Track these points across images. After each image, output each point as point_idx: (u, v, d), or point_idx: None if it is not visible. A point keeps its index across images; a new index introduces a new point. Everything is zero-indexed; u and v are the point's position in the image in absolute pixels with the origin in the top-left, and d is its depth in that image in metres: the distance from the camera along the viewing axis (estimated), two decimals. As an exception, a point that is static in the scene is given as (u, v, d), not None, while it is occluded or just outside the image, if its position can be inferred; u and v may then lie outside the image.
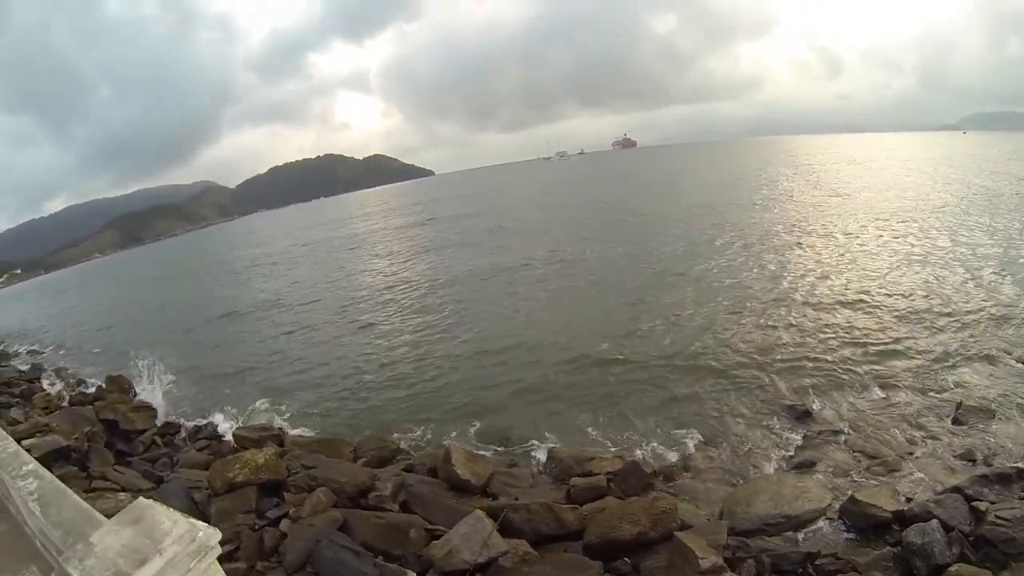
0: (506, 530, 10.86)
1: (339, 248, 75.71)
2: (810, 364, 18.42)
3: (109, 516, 6.72)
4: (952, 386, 16.01)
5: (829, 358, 18.59)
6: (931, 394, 15.78)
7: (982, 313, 20.46)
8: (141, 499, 5.13)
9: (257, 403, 22.85)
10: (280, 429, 19.58)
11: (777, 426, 15.46)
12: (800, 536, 11.01)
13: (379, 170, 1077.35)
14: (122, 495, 12.75)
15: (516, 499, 12.65)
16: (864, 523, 10.80)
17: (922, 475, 12.45)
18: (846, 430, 14.68)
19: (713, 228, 41.44)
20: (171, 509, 4.68)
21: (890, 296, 23.05)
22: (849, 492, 11.58)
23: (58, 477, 8.23)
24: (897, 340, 19.20)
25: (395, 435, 18.17)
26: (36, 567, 7.15)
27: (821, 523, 11.18)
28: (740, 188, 67.45)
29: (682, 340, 21.61)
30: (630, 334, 23.03)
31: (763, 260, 30.52)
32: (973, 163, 79.19)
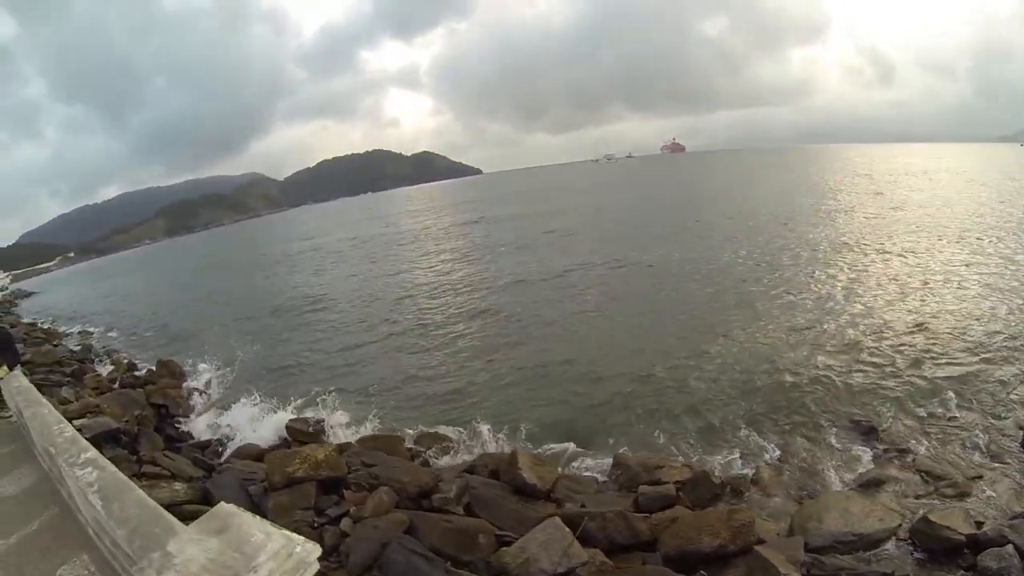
0: (581, 538, 10.32)
1: (389, 244, 75.07)
2: (876, 383, 17.52)
3: (166, 507, 6.12)
4: (1020, 410, 15.20)
5: (895, 378, 17.67)
6: (999, 418, 14.95)
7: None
8: (224, 504, 4.68)
9: (306, 395, 22.17)
10: (331, 423, 19.04)
11: (843, 443, 14.76)
12: (871, 556, 10.45)
13: (427, 167, 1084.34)
14: (178, 485, 12.20)
15: (582, 506, 12.15)
16: (936, 545, 10.24)
17: (992, 498, 11.82)
18: (913, 449, 14.03)
19: (776, 239, 39.95)
20: (260, 518, 4.29)
21: (959, 317, 21.84)
22: (919, 512, 11.08)
23: (108, 459, 7.84)
24: (964, 362, 18.14)
25: (451, 435, 17.48)
26: (87, 556, 7.37)
27: (891, 544, 10.62)
28: (800, 198, 65.09)
29: (745, 352, 20.73)
30: (692, 344, 22.14)
31: (829, 275, 29.21)
32: (1035, 178, 76.65)
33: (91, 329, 53.22)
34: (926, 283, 25.98)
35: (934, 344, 19.72)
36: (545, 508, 12.17)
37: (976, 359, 18.33)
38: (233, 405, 22.10)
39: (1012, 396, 15.94)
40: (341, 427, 18.80)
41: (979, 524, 10.62)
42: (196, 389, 24.20)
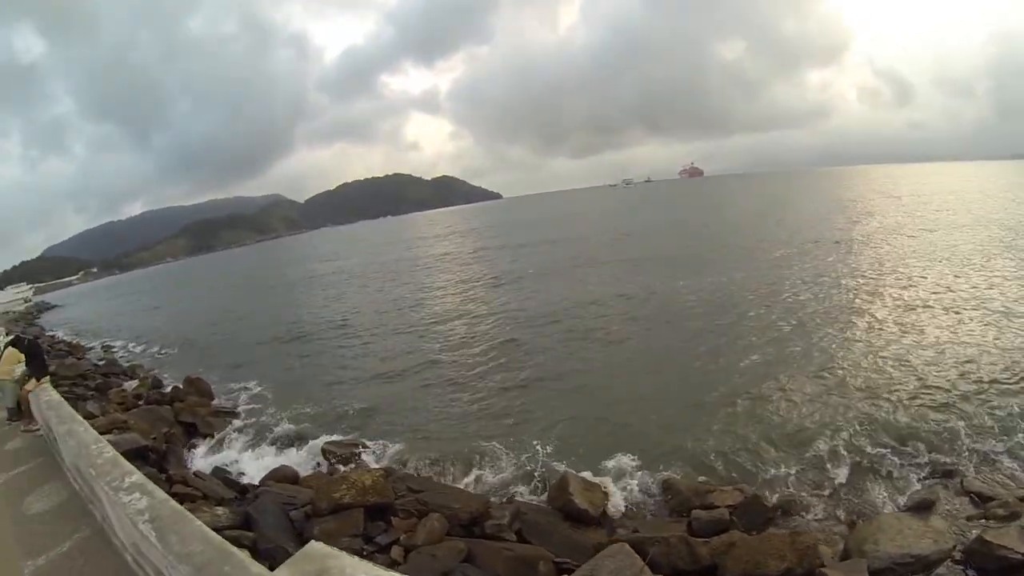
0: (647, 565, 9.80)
1: (413, 269, 73.66)
2: (923, 406, 16.84)
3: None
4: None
5: (943, 401, 16.96)
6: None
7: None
8: (315, 544, 4.14)
9: (338, 418, 21.59)
10: (367, 446, 18.22)
11: (890, 465, 14.13)
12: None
13: (447, 191, 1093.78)
14: (220, 509, 11.54)
15: (635, 531, 11.70)
16: (994, 565, 9.88)
17: (1045, 517, 11.25)
18: (961, 471, 13.49)
19: (819, 262, 38.77)
20: (363, 560, 3.80)
21: (1009, 339, 21.08)
22: (973, 533, 10.78)
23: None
24: (1010, 386, 17.43)
25: (492, 461, 16.63)
26: None
27: (946, 565, 10.24)
28: (825, 221, 63.01)
29: (789, 375, 19.96)
30: (734, 367, 21.40)
31: (872, 297, 28.31)
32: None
33: (114, 344, 53.19)
34: (974, 307, 25.04)
35: (983, 368, 18.93)
36: (597, 534, 11.91)
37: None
38: (263, 426, 21.54)
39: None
40: (377, 451, 18.01)
41: (1034, 543, 10.24)
42: (224, 409, 23.45)
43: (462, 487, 14.80)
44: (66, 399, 14.88)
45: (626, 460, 15.51)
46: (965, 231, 46.48)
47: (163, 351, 44.40)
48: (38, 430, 15.30)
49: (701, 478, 14.39)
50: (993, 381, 17.78)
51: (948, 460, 13.97)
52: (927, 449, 14.56)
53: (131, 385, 29.48)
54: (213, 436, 20.52)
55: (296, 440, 19.56)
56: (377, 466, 15.78)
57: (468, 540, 10.84)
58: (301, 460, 17.71)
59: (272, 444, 19.56)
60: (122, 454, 11.75)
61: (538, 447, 16.82)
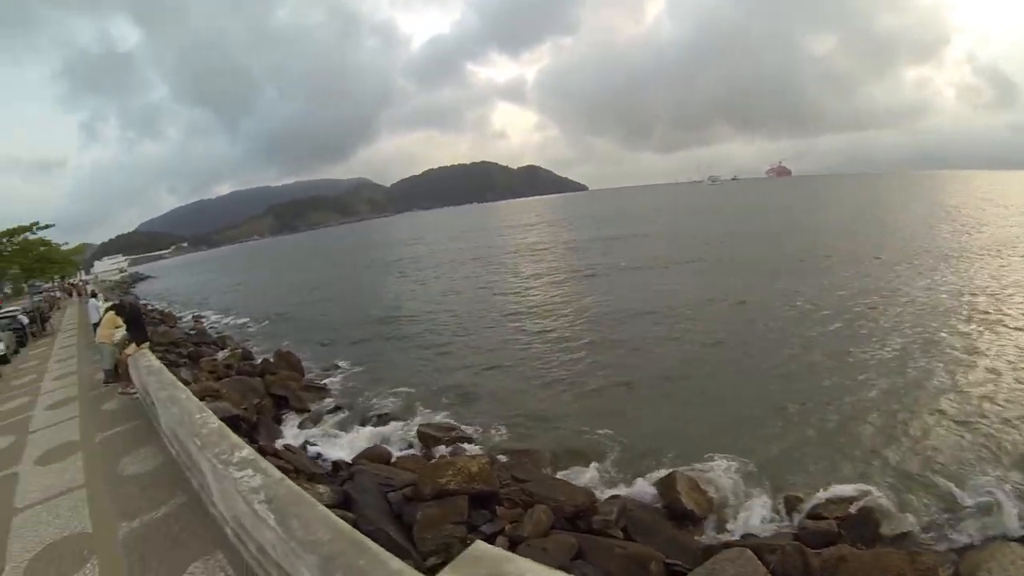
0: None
1: (502, 256, 72.35)
2: None
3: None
4: None
5: None
6: None
7: None
8: (481, 544, 3.84)
9: (431, 400, 21.05)
10: (463, 431, 17.63)
11: (1007, 492, 12.81)
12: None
13: (532, 180, 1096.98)
14: (321, 488, 11.12)
15: (743, 537, 11.29)
16: None
17: None
18: None
19: (920, 276, 35.07)
20: (545, 567, 3.38)
21: None
22: None
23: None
24: None
25: (592, 455, 15.86)
26: (223, 555, 6.91)
27: None
28: (930, 230, 55.24)
29: (906, 392, 18.67)
30: (841, 378, 20.09)
31: (1000, 314, 26.29)
32: None
33: (203, 314, 54.23)
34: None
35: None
36: (702, 536, 11.59)
37: None
38: (354, 404, 21.31)
39: None
40: (475, 436, 17.42)
41: None
42: (316, 384, 23.22)
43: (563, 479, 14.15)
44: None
45: (730, 463, 14.75)
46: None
47: (251, 325, 45.14)
48: (135, 393, 15.28)
49: (807, 487, 13.51)
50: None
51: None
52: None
53: (222, 355, 29.75)
54: (304, 411, 20.32)
55: (388, 420, 19.20)
56: (478, 452, 15.17)
57: (579, 536, 10.33)
58: (394, 441, 17.35)
59: (363, 422, 19.19)
60: (217, 422, 11.55)
61: (638, 444, 16.19)
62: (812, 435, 16.11)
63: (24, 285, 57.25)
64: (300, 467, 13.17)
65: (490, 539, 9.92)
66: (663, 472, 13.83)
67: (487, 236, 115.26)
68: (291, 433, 18.40)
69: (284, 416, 19.97)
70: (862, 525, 11.56)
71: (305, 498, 5.14)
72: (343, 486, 11.64)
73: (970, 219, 65.68)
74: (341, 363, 27.51)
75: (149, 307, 58.91)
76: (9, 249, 51.06)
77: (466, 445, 16.33)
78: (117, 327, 17.11)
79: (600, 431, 17.14)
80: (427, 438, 16.59)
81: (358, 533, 4.37)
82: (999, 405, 16.90)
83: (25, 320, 38.30)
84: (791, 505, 12.59)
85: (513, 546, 9.76)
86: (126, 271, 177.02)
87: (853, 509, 12.11)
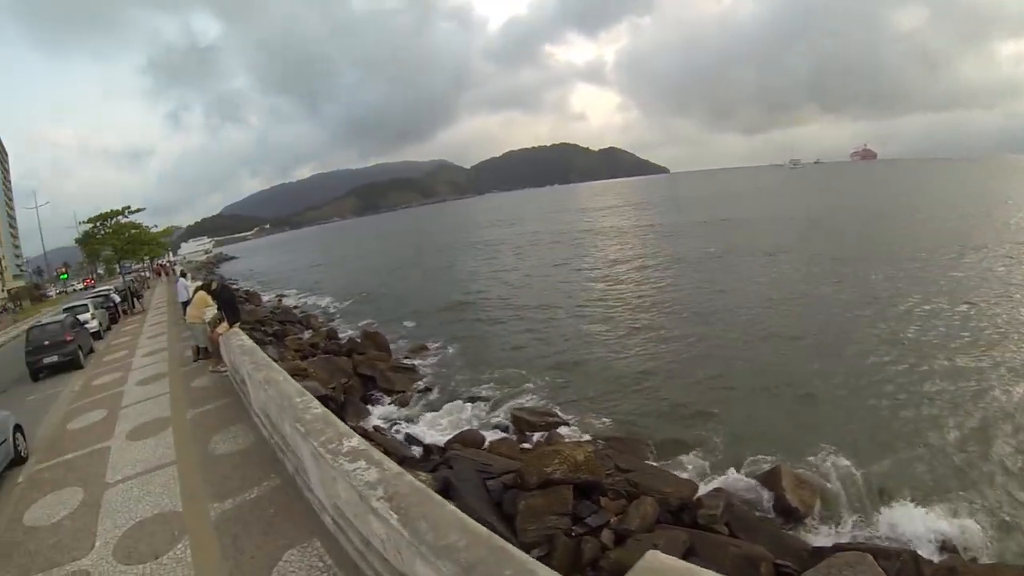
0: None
1: (588, 241, 69.55)
2: None
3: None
4: None
5: None
6: None
7: None
8: (657, 554, 3.35)
9: (523, 385, 20.46)
10: (560, 417, 17.07)
11: None
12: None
13: (613, 163, 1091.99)
14: (423, 475, 10.70)
15: (854, 539, 10.74)
16: None
17: None
18: None
19: None
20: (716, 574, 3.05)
21: None
22: None
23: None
24: None
25: (691, 446, 15.17)
26: (321, 543, 6.69)
27: None
28: None
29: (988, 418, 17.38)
30: (959, 382, 18.83)
31: None
32: None
33: (286, 293, 55.02)
34: None
35: None
36: (806, 535, 11.05)
37: None
38: (444, 385, 21.05)
39: None
40: (572, 423, 16.76)
41: None
42: (404, 365, 22.93)
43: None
44: (247, 344, 14.61)
45: (834, 462, 13.98)
46: None
47: (334, 304, 45.55)
48: (225, 371, 15.30)
49: (916, 494, 12.61)
50: None
51: None
52: None
53: (306, 334, 29.91)
54: (393, 392, 20.08)
55: (479, 403, 18.87)
56: (582, 439, 14.66)
57: (689, 531, 9.82)
58: (486, 424, 16.96)
59: (453, 405, 18.82)
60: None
61: (736, 435, 15.60)
62: (926, 445, 14.97)
63: (116, 266, 58.82)
64: (391, 449, 12.95)
65: (595, 532, 9.66)
66: (764, 466, 13.41)
67: (569, 219, 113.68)
68: (379, 414, 18.25)
69: (372, 396, 19.76)
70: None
71: (431, 496, 4.65)
72: (436, 471, 11.36)
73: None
74: (429, 344, 27.22)
75: (234, 286, 59.86)
76: (103, 232, 53.65)
77: (562, 431, 15.80)
78: (208, 306, 17.28)
79: (696, 421, 16.64)
80: (522, 422, 16.16)
81: (498, 538, 3.86)
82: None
83: (117, 299, 39.71)
84: (897, 510, 11.97)
85: (620, 540, 9.43)
86: (211, 252, 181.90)
87: (960, 521, 11.45)
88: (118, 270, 55.94)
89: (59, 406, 16.24)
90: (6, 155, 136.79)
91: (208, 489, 8.72)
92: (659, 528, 9.85)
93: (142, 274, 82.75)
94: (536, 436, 15.42)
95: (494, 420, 17.26)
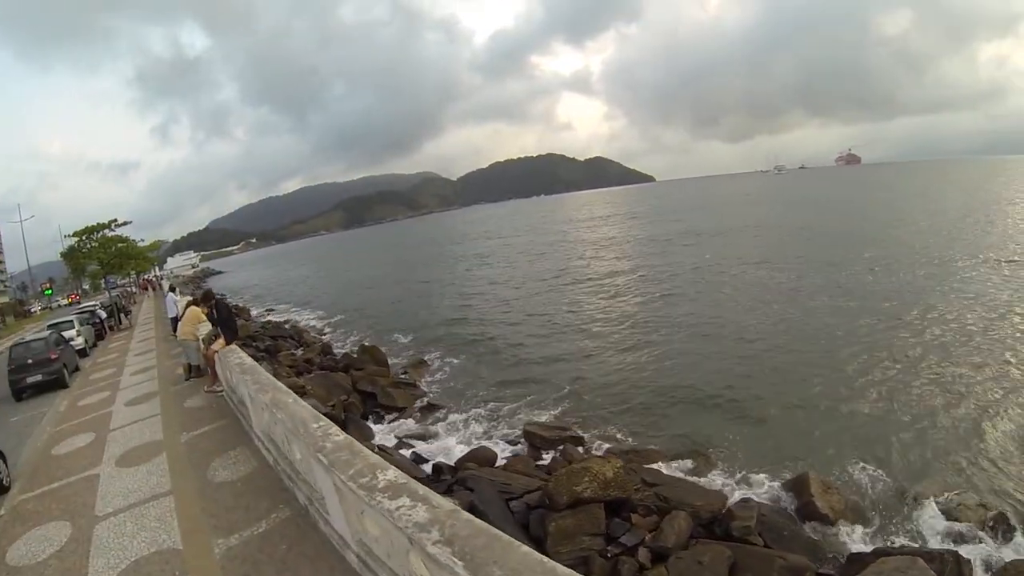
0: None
1: (578, 249, 70.57)
2: None
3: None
4: None
5: None
6: None
7: None
8: None
9: (531, 399, 19.94)
10: (574, 431, 16.40)
11: None
12: None
13: (600, 172, 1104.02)
14: (455, 502, 10.03)
15: (890, 543, 10.62)
16: None
17: None
18: None
19: None
20: None
21: None
22: None
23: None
24: None
25: (713, 457, 14.79)
26: None
27: None
28: None
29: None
30: (991, 389, 18.30)
31: None
32: None
33: (276, 307, 54.70)
34: None
35: None
36: (838, 542, 10.86)
37: None
38: (448, 401, 20.43)
39: None
40: (586, 437, 16.22)
41: None
42: (405, 380, 22.32)
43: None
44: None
45: (856, 466, 13.81)
46: None
47: (325, 318, 45.04)
48: (221, 391, 14.78)
49: (945, 494, 12.44)
50: None
51: None
52: None
53: (300, 350, 29.23)
54: (395, 408, 19.46)
55: (486, 419, 18.38)
56: (608, 455, 13.96)
57: (731, 546, 9.58)
58: (496, 440, 16.42)
59: (459, 420, 18.37)
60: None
61: (755, 443, 15.34)
62: (944, 443, 14.78)
63: (102, 281, 58.39)
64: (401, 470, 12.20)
65: (631, 551, 9.38)
66: (785, 474, 13.24)
67: (556, 229, 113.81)
68: (383, 432, 17.63)
69: (374, 413, 19.18)
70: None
71: (500, 537, 3.95)
72: (452, 492, 10.96)
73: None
74: (427, 358, 26.61)
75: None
76: (88, 246, 53.54)
77: (577, 445, 15.30)
78: (201, 322, 16.66)
79: (711, 430, 16.29)
80: (535, 438, 15.58)
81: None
82: None
83: (103, 314, 38.99)
84: (925, 513, 11.80)
85: (659, 559, 9.12)
86: (198, 266, 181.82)
87: (990, 520, 11.25)
88: (103, 285, 55.21)
89: (43, 428, 15.46)
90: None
91: (210, 522, 7.98)
92: (695, 543, 9.59)
93: (128, 289, 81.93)
94: (550, 452, 14.87)
95: (503, 435, 16.70)
